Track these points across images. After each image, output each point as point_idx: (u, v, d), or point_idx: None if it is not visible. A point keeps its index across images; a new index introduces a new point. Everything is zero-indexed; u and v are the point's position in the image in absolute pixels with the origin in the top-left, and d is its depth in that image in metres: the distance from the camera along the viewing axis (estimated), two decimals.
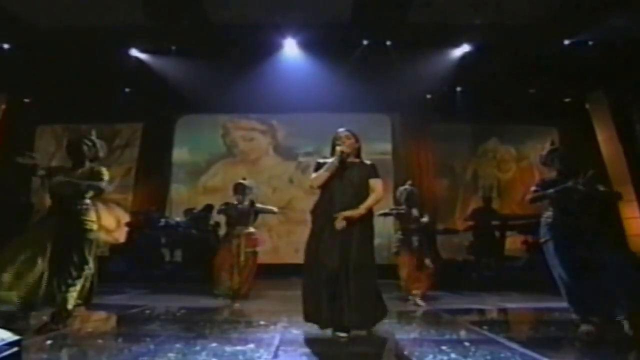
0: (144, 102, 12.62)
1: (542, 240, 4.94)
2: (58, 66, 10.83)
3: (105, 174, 4.96)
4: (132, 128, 13.77)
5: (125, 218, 12.68)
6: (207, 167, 13.68)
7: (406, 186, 7.72)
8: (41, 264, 4.50)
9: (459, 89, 12.53)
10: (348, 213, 4.30)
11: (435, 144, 13.38)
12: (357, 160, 4.68)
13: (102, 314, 6.16)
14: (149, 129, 13.62)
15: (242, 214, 7.40)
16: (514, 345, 3.95)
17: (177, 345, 3.85)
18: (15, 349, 2.76)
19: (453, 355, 3.60)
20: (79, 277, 4.68)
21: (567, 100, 12.75)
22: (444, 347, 3.85)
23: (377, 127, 13.51)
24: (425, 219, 7.56)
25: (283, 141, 13.80)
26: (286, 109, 12.86)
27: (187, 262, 10.53)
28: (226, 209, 7.62)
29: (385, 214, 7.55)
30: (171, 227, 10.89)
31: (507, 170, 13.65)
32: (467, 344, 4.03)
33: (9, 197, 11.65)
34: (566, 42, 10.29)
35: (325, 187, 4.54)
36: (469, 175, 13.55)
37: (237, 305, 6.65)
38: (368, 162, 4.70)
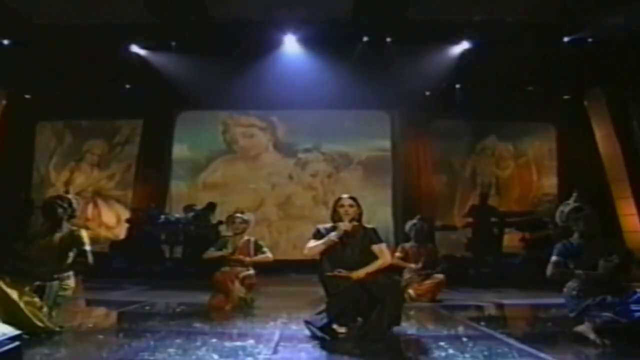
0: (144, 99, 12.62)
1: (573, 315, 4.42)
2: (58, 62, 10.86)
3: (86, 239, 4.72)
4: (132, 124, 13.76)
5: (125, 214, 12.69)
6: (207, 164, 13.67)
7: (415, 221, 7.52)
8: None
9: (458, 86, 12.54)
10: (362, 272, 4.28)
11: (434, 141, 13.39)
12: (358, 225, 4.59)
13: (102, 310, 6.21)
14: (149, 126, 13.60)
15: (241, 249, 6.49)
16: (511, 341, 3.99)
17: (178, 341, 3.88)
18: (16, 343, 2.79)
19: (451, 351, 3.62)
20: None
21: (565, 97, 12.76)
22: (442, 343, 3.88)
23: (376, 124, 13.54)
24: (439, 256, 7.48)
25: (283, 138, 13.80)
26: (286, 105, 12.86)
27: (187, 258, 10.54)
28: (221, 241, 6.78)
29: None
30: (171, 224, 10.91)
31: (505, 167, 13.66)
32: (464, 339, 4.06)
33: (9, 194, 11.68)
34: (565, 39, 10.31)
35: (325, 253, 4.44)
36: (467, 172, 13.56)
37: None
38: (369, 226, 4.66)
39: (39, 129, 13.65)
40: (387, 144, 13.56)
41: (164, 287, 8.25)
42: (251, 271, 6.43)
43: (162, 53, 11.26)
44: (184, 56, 11.10)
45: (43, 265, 4.49)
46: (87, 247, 4.70)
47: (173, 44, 11.05)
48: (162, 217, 11.13)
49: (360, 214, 4.65)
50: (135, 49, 11.17)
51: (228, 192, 12.88)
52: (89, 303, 6.78)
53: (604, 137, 12.39)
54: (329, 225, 4.58)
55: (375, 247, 4.49)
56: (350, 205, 4.59)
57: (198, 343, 3.82)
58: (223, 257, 6.39)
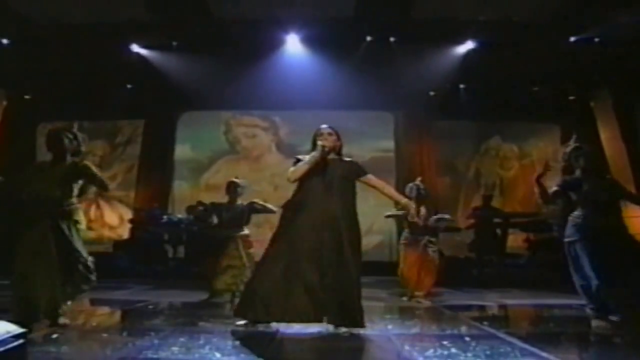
0: (146, 99, 12.64)
1: (570, 239, 4.90)
2: (59, 62, 10.84)
3: (93, 167, 4.71)
4: (134, 125, 13.77)
5: (128, 215, 12.71)
6: (209, 164, 13.68)
7: (417, 182, 7.55)
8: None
9: (462, 86, 12.51)
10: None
11: (438, 142, 13.37)
12: (337, 157, 4.64)
13: (106, 309, 6.22)
14: (151, 126, 13.61)
15: (236, 215, 6.89)
16: (514, 341, 3.98)
17: (181, 339, 3.88)
18: (20, 341, 2.79)
19: (454, 350, 3.61)
20: (87, 279, 4.53)
21: (571, 98, 12.73)
22: (445, 342, 3.87)
23: (380, 125, 13.53)
24: (436, 217, 7.50)
25: (285, 138, 13.79)
26: (289, 105, 12.86)
27: (190, 258, 10.55)
28: (218, 209, 7.18)
29: (392, 215, 7.51)
30: (174, 224, 10.92)
31: (510, 168, 13.64)
32: (467, 339, 4.05)
33: (11, 196, 11.67)
34: (571, 39, 10.28)
35: (303, 182, 4.50)
36: (471, 173, 13.54)
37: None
38: (348, 159, 4.70)
39: (40, 130, 13.65)
40: (390, 144, 13.54)
41: (167, 287, 8.28)
42: (245, 231, 6.82)
43: (164, 53, 11.24)
44: (185, 56, 11.08)
45: (48, 198, 4.48)
46: (97, 173, 4.69)
47: (175, 43, 11.02)
48: (165, 217, 11.15)
49: (340, 147, 4.68)
50: (136, 48, 11.15)
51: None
52: (93, 302, 6.79)
53: (609, 139, 12.34)
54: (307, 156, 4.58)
55: (367, 178, 4.58)
56: (329, 134, 4.62)
57: (201, 342, 3.81)
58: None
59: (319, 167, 4.47)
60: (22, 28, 10.16)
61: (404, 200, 4.81)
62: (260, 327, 4.44)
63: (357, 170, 4.61)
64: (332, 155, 4.58)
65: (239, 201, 6.93)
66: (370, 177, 4.62)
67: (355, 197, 4.58)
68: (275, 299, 4.18)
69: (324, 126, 4.73)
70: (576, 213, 4.93)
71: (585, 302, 4.81)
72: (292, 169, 4.54)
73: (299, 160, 4.59)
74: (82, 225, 4.65)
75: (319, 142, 4.52)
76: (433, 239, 7.41)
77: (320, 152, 4.46)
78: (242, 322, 4.37)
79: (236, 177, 7.18)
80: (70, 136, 4.71)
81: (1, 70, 10.86)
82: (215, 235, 7.05)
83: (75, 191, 4.65)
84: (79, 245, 4.51)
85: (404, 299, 7.09)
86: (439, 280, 7.56)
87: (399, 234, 11.22)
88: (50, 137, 4.75)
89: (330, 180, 4.45)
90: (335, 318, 4.23)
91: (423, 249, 7.20)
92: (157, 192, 12.95)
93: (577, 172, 5.10)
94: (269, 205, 6.84)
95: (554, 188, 5.06)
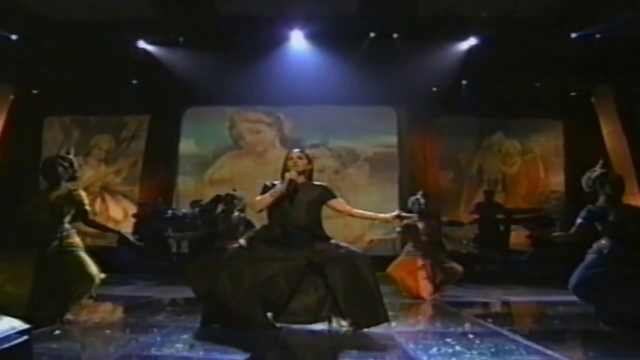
0: (151, 94, 12.66)
1: (593, 271, 4.61)
2: (66, 58, 10.89)
3: (85, 199, 4.76)
4: (139, 120, 13.79)
5: (133, 210, 12.75)
6: (213, 159, 13.68)
7: (418, 196, 7.44)
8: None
9: (465, 82, 12.47)
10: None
11: (440, 137, 13.35)
12: (308, 181, 4.62)
13: (109, 305, 6.25)
14: (156, 121, 13.63)
15: (231, 226, 6.89)
16: (518, 338, 3.99)
17: (184, 336, 3.90)
18: (25, 337, 2.80)
19: (458, 348, 3.63)
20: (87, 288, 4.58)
21: (572, 93, 12.70)
22: (448, 340, 3.89)
23: (383, 120, 13.52)
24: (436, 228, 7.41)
25: (289, 134, 13.79)
26: (293, 101, 12.85)
27: (194, 253, 10.56)
28: (214, 219, 7.24)
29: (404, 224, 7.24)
30: (178, 219, 10.93)
31: (512, 164, 13.62)
32: (471, 336, 4.06)
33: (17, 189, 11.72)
34: (573, 35, 10.26)
35: (273, 210, 4.50)
36: (474, 169, 13.53)
37: None
38: (318, 183, 4.69)
39: (46, 124, 13.69)
40: (393, 140, 13.53)
41: (171, 282, 8.30)
42: (242, 242, 6.63)
43: (169, 49, 11.25)
44: (190, 52, 11.09)
45: (40, 226, 4.52)
46: (87, 207, 4.73)
47: (180, 39, 11.04)
48: (169, 212, 11.17)
49: (310, 170, 4.67)
50: (142, 44, 11.15)
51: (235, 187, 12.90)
52: (96, 298, 6.83)
53: (611, 134, 12.31)
54: (277, 181, 4.59)
55: (335, 203, 4.58)
56: (299, 157, 4.61)
57: (205, 339, 3.84)
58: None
59: (290, 194, 4.45)
60: (30, 24, 10.19)
61: (380, 216, 4.74)
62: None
63: (326, 195, 4.59)
64: (302, 179, 4.55)
65: (235, 213, 6.94)
66: (337, 202, 4.60)
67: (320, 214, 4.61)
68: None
69: (295, 150, 4.74)
70: (603, 242, 4.62)
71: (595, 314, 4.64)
72: (257, 198, 4.55)
73: (266, 187, 4.58)
74: (79, 242, 4.68)
75: (287, 175, 4.48)
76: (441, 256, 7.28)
77: (286, 187, 4.42)
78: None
79: (234, 190, 7.31)
80: (65, 164, 4.77)
81: (8, 65, 10.87)
82: (211, 246, 7.01)
83: (68, 218, 4.69)
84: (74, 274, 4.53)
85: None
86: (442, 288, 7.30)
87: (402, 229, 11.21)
88: (44, 165, 4.82)
89: (299, 206, 4.46)
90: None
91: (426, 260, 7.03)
92: (162, 187, 12.98)
93: (601, 200, 4.78)
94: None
95: (579, 221, 4.74)
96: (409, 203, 7.47)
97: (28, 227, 4.58)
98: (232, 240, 6.58)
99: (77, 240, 4.68)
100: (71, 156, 4.89)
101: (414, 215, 7.11)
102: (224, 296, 4.20)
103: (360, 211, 4.77)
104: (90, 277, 4.53)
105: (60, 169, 4.71)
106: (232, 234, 6.76)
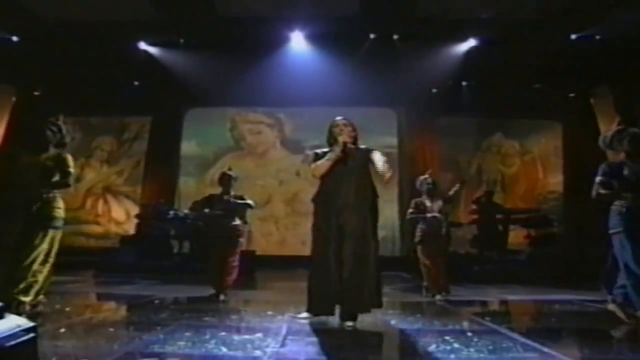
0: (152, 96, 12.73)
1: (614, 231, 4.52)
2: (67, 59, 10.95)
3: (71, 162, 4.86)
4: (141, 121, 13.87)
5: (135, 210, 12.81)
6: (215, 160, 13.75)
7: (426, 176, 7.45)
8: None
9: (464, 83, 12.55)
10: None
11: (440, 138, 13.41)
12: (354, 147, 4.72)
13: (112, 304, 6.29)
14: (158, 122, 13.71)
15: (229, 206, 6.80)
16: (516, 336, 4.02)
17: (187, 334, 3.92)
18: (31, 334, 2.84)
19: (456, 345, 3.66)
20: (45, 264, 4.65)
21: (571, 95, 12.74)
22: (447, 337, 3.91)
23: (383, 121, 13.57)
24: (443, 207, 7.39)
25: (290, 134, 13.86)
26: (293, 102, 12.92)
27: (196, 253, 10.62)
28: (212, 202, 7.08)
29: (413, 217, 7.14)
30: (180, 219, 10.98)
31: (511, 164, 13.67)
32: (469, 334, 4.10)
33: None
34: (572, 36, 10.30)
35: (328, 176, 4.61)
36: (473, 170, 13.58)
37: (222, 297, 6.31)
38: (363, 146, 4.80)
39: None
40: (393, 141, 13.59)
41: (173, 282, 8.32)
42: (237, 222, 6.77)
43: (171, 50, 11.34)
44: (192, 54, 11.18)
45: (28, 187, 4.67)
46: (71, 170, 4.84)
47: (181, 41, 11.10)
48: (171, 212, 11.21)
49: (355, 137, 4.78)
50: (143, 46, 11.25)
51: (236, 189, 12.91)
52: (100, 297, 6.89)
53: None
54: (326, 149, 4.71)
55: (372, 154, 4.64)
56: (345, 125, 4.73)
57: (207, 336, 3.86)
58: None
59: (342, 160, 4.58)
60: (32, 25, 10.24)
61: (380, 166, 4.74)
62: (265, 322, 4.52)
63: (368, 153, 4.68)
64: (349, 145, 4.65)
65: (232, 192, 6.92)
66: (374, 154, 4.65)
67: (375, 185, 4.70)
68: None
69: (338, 118, 4.84)
70: (619, 201, 4.49)
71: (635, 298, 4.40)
72: (313, 165, 4.67)
73: (317, 155, 4.71)
74: (61, 212, 4.78)
75: (340, 138, 4.59)
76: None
77: (342, 149, 4.55)
78: (304, 315, 4.60)
79: (229, 169, 7.18)
80: (54, 129, 4.90)
81: (11, 67, 10.93)
82: (210, 226, 7.05)
83: (56, 179, 4.80)
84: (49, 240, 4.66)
85: (438, 297, 6.69)
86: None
87: (402, 230, 11.26)
88: (34, 129, 4.98)
89: (350, 171, 4.58)
90: (351, 305, 4.39)
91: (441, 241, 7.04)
92: (164, 188, 13.05)
93: (622, 156, 4.66)
94: (249, 201, 6.91)
95: (598, 179, 4.61)
96: (417, 183, 7.47)
97: (17, 189, 4.73)
98: (229, 220, 6.68)
99: (60, 203, 4.79)
100: (60, 122, 5.01)
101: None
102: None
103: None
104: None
105: (49, 133, 4.85)
106: (231, 213, 6.76)
